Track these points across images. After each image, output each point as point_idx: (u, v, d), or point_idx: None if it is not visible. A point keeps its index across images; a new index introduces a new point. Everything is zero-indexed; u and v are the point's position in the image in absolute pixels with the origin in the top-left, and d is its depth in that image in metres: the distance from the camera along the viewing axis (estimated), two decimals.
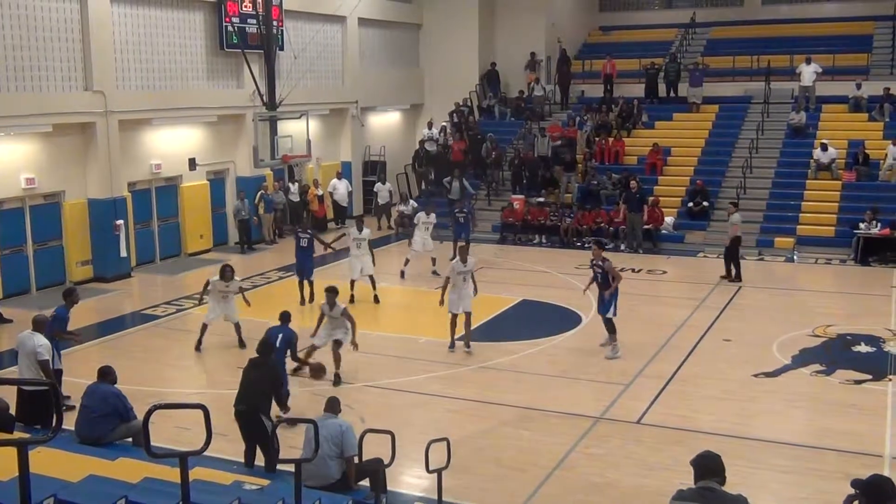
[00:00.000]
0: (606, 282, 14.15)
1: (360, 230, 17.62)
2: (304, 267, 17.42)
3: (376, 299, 17.47)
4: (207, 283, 14.63)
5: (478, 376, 13.29)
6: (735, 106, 27.81)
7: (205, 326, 14.54)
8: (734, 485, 5.62)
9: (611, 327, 14.10)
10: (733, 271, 19.29)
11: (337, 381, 12.80)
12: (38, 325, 10.23)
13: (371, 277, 17.50)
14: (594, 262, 14.37)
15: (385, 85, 29.35)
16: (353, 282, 17.43)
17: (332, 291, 12.92)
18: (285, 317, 11.84)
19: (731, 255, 19.30)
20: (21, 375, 10.20)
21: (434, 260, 19.99)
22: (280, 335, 11.38)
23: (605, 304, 14.14)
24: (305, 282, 17.43)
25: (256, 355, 9.83)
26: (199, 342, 14.50)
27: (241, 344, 14.55)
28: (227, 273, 14.51)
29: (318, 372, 12.78)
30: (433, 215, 20.33)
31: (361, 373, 13.51)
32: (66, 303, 12.11)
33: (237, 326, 14.66)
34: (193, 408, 6.49)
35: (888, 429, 11.12)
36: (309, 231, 17.49)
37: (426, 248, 19.89)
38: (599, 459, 10.30)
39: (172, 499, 6.07)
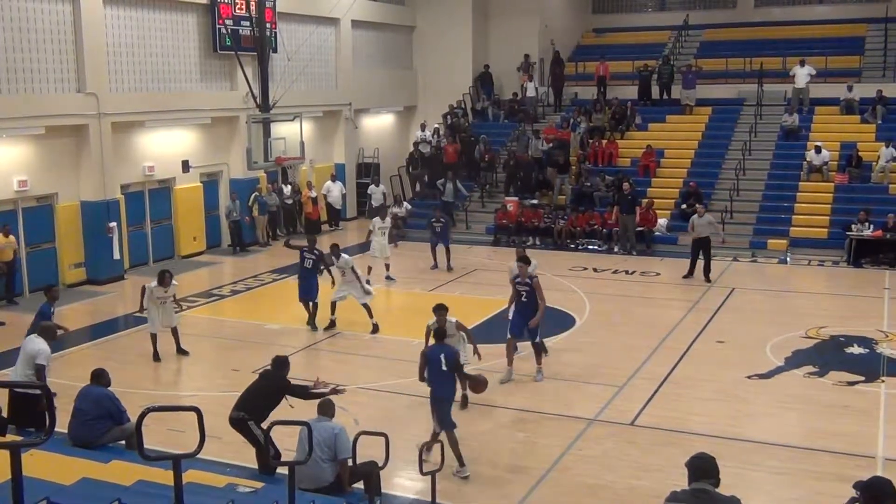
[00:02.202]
0: (532, 300, 12.90)
1: (338, 258, 15.67)
2: (308, 288, 15.93)
3: (375, 329, 15.64)
4: (144, 291, 14.13)
5: None
6: (728, 108, 27.88)
7: (154, 336, 14.15)
8: (728, 486, 5.63)
9: (540, 349, 13.17)
10: (694, 268, 19.64)
11: (464, 403, 11.90)
12: (44, 332, 10.23)
13: (366, 306, 15.72)
14: (519, 279, 13.05)
15: (378, 87, 29.35)
16: (333, 303, 15.87)
17: (442, 309, 11.52)
18: (442, 334, 10.75)
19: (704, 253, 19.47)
20: (15, 377, 10.18)
21: (388, 266, 19.69)
22: (442, 354, 10.22)
23: (532, 329, 12.88)
24: (311, 304, 15.96)
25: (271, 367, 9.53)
26: (156, 353, 14.13)
27: (182, 351, 14.33)
28: (166, 278, 14.02)
29: (479, 385, 10.93)
30: (388, 219, 20.19)
31: (355, 375, 13.50)
32: (47, 299, 12.61)
33: (175, 331, 14.36)
34: (187, 410, 6.48)
35: (881, 430, 11.16)
36: (316, 251, 15.88)
37: (383, 253, 19.47)
38: (593, 461, 10.30)
39: (166, 501, 6.06)
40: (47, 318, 12.03)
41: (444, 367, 10.05)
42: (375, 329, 15.62)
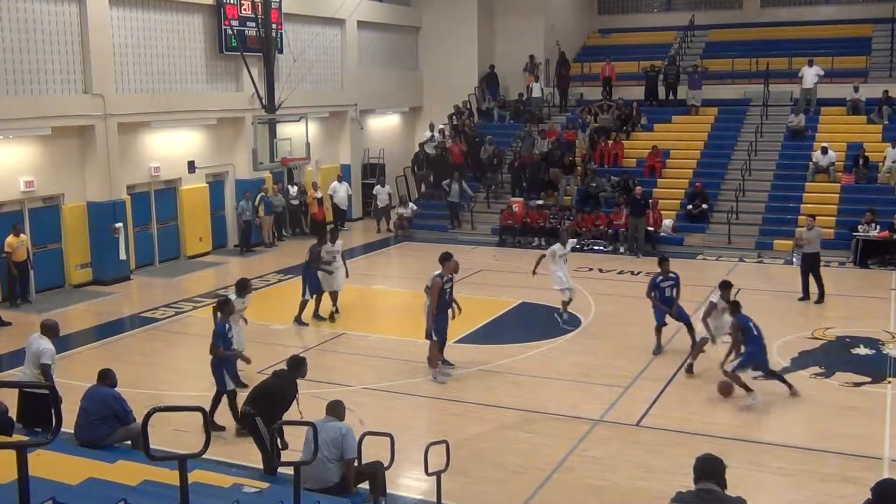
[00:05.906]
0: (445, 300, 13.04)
1: (333, 242, 16.21)
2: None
3: (332, 317, 16.22)
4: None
5: (477, 379, 13.28)
6: (734, 108, 27.84)
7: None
8: (734, 487, 5.62)
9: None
10: (808, 289, 17.58)
11: (689, 369, 13.42)
12: (47, 330, 10.23)
13: (335, 294, 16.27)
14: (446, 277, 13.07)
15: (384, 88, 29.37)
16: (321, 295, 16.21)
17: (728, 286, 13.50)
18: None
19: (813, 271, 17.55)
20: (24, 377, 10.22)
21: (565, 303, 16.38)
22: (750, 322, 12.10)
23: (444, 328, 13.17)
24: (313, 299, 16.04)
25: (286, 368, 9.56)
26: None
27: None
28: (248, 286, 12.81)
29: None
30: (570, 244, 16.75)
31: (360, 376, 13.52)
32: (221, 315, 11.28)
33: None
34: (192, 410, 6.49)
35: (887, 431, 11.13)
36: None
37: (569, 282, 16.23)
38: (598, 462, 10.30)
39: (171, 502, 6.08)
40: (223, 337, 11.07)
41: (756, 333, 12.04)
42: (332, 317, 16.28)
